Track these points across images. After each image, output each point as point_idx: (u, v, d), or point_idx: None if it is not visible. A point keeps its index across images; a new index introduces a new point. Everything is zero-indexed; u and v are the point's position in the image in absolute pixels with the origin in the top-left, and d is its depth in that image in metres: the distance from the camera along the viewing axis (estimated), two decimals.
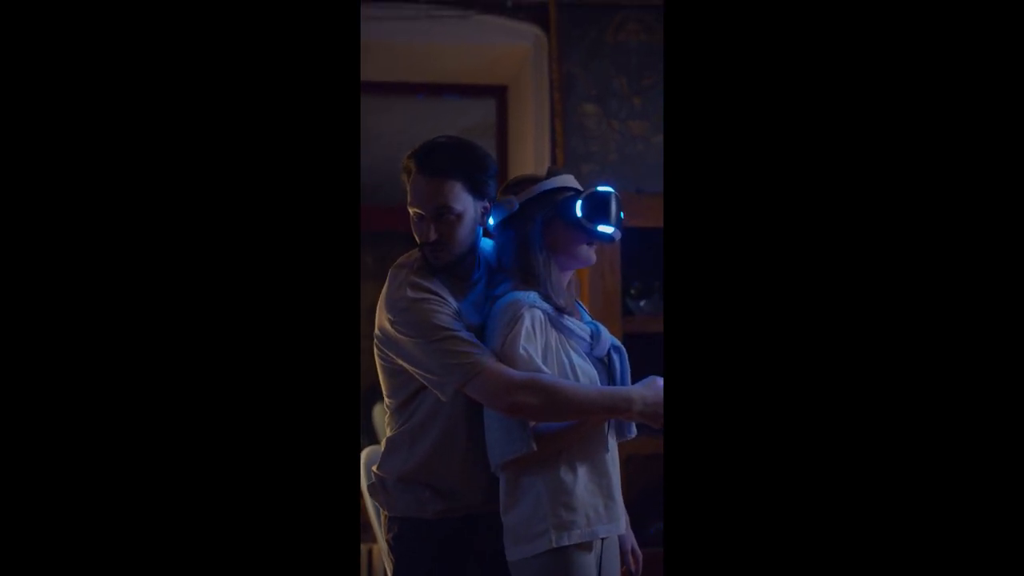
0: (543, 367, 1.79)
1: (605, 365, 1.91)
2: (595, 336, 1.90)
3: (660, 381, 1.83)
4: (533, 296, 1.83)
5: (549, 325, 1.83)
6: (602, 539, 1.82)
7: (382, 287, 1.91)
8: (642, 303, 3.58)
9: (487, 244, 1.98)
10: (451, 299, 1.86)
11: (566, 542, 1.75)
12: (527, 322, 1.80)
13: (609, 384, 1.89)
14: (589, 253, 1.92)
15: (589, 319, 1.96)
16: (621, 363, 1.92)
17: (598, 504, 1.81)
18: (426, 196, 1.86)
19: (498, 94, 4.04)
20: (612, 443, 1.89)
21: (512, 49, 3.79)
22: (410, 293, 1.83)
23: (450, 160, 1.87)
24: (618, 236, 1.90)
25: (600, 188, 1.88)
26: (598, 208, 1.86)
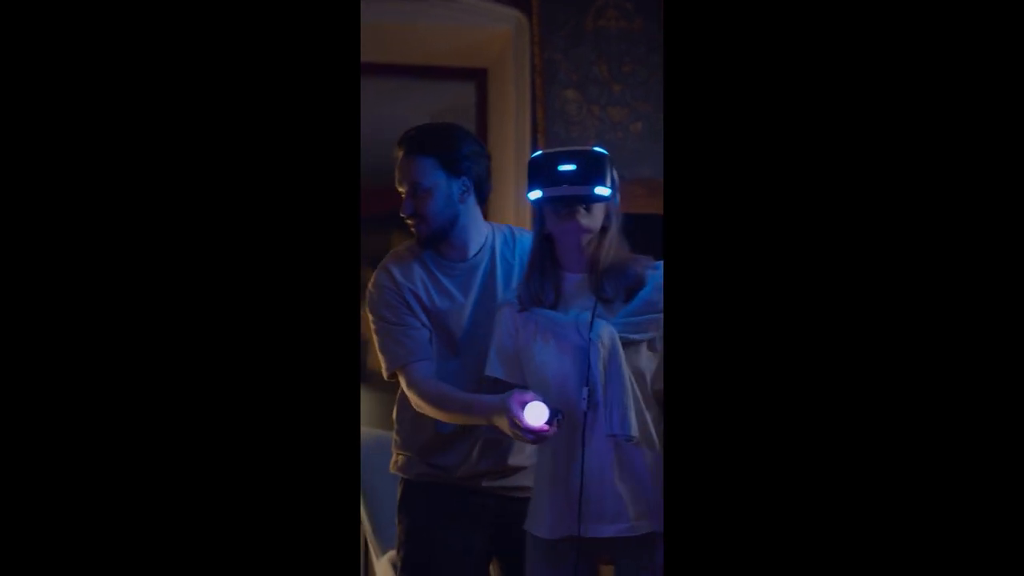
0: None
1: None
2: (579, 326, 1.86)
3: (516, 396, 1.83)
4: (509, 295, 1.98)
5: (523, 319, 1.91)
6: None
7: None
8: None
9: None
10: (419, 286, 2.04)
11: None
12: (497, 320, 1.96)
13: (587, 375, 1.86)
14: (568, 221, 1.89)
15: (580, 314, 1.89)
16: (594, 357, 1.85)
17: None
18: (402, 174, 2.06)
19: (478, 77, 4.03)
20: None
21: (493, 32, 3.78)
22: (378, 275, 2.08)
23: (423, 140, 2.05)
24: (561, 192, 1.86)
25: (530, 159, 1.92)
26: (532, 181, 1.88)
